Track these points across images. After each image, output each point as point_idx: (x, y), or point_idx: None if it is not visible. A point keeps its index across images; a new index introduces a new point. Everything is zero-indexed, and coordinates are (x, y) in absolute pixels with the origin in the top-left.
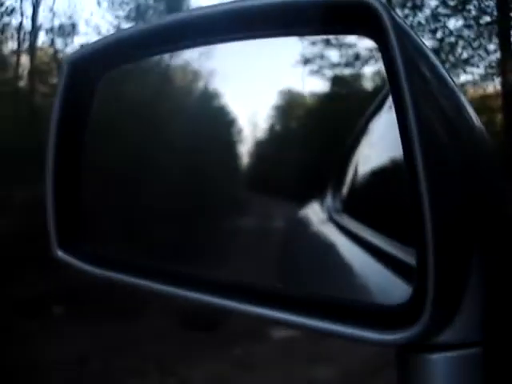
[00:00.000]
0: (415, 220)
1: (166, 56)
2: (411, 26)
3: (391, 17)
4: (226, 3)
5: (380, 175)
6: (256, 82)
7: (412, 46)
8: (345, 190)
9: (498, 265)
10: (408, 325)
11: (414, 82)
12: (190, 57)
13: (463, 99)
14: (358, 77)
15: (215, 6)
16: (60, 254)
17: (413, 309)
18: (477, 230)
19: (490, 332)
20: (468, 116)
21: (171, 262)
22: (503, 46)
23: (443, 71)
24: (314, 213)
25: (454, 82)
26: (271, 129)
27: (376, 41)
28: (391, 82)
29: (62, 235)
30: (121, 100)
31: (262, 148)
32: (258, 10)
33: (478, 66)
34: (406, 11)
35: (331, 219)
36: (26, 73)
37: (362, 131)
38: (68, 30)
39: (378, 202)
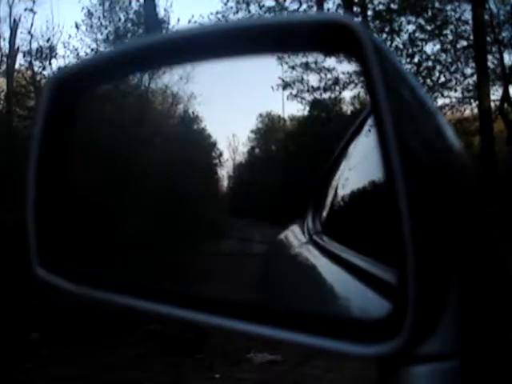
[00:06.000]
0: (396, 239)
1: (146, 79)
2: None
3: (371, 38)
4: (210, 25)
5: (359, 197)
6: (236, 105)
7: (392, 68)
8: (325, 212)
9: (476, 280)
10: (389, 337)
11: (394, 102)
12: (170, 80)
13: (442, 121)
14: (337, 101)
15: (199, 26)
16: (41, 271)
17: (394, 322)
18: (455, 247)
19: (469, 343)
20: (447, 137)
21: (154, 280)
22: (480, 70)
23: (423, 93)
24: (294, 235)
25: (433, 103)
26: (251, 152)
27: (356, 61)
28: (371, 101)
29: (43, 253)
30: (101, 122)
31: (242, 171)
32: (241, 31)
33: (455, 90)
34: (384, 36)
35: (311, 240)
36: (2, 95)
37: (340, 154)
38: (46, 53)
39: (356, 224)
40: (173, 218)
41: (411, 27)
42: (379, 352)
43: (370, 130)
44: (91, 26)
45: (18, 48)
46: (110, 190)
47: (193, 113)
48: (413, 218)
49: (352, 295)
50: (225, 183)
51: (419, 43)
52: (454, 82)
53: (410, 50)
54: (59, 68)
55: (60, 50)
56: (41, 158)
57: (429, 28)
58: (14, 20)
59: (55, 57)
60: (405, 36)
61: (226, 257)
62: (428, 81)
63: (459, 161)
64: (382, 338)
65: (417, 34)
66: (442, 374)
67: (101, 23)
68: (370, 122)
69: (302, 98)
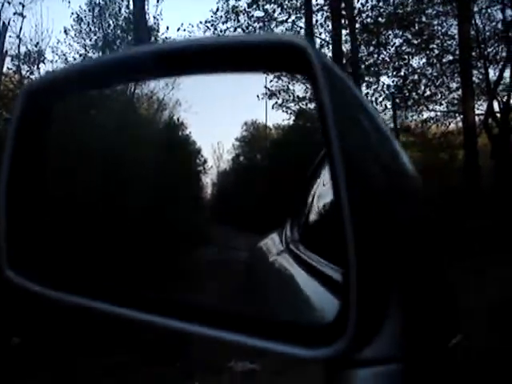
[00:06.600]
0: (342, 248)
1: (132, 85)
2: (375, 64)
3: (322, 59)
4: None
5: (328, 207)
6: (221, 113)
7: (343, 88)
8: (302, 221)
9: (417, 286)
10: (333, 341)
11: (343, 123)
12: (156, 86)
13: (397, 146)
14: None
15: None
16: (10, 274)
17: (338, 326)
18: (397, 256)
19: (411, 349)
20: (402, 162)
21: (126, 285)
22: (465, 84)
23: (379, 120)
24: (273, 243)
25: (388, 129)
26: (235, 160)
27: (308, 81)
28: (321, 122)
29: (12, 255)
30: (85, 127)
31: (227, 179)
32: (199, 49)
33: (440, 104)
34: (371, 48)
35: (288, 249)
36: None
37: (319, 164)
38: (34, 57)
39: (324, 233)
40: (154, 223)
41: (398, 41)
42: (324, 355)
43: None
44: (80, 32)
45: (7, 52)
46: (89, 194)
47: (178, 119)
48: (355, 224)
49: (316, 302)
50: (209, 190)
51: (406, 57)
52: (439, 95)
53: (397, 64)
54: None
55: (48, 55)
56: (13, 162)
57: (415, 42)
58: (3, 23)
59: (43, 61)
60: (392, 49)
61: (206, 263)
62: (413, 94)
63: (412, 181)
64: (327, 342)
65: (403, 48)
66: (384, 377)
67: (90, 29)
68: None
69: (288, 108)
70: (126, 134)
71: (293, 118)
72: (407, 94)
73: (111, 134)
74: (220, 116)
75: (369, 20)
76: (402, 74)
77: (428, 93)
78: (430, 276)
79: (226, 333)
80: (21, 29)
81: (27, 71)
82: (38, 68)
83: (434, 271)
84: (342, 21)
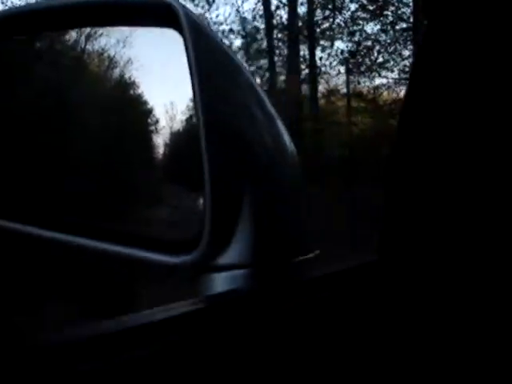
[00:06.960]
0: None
1: (82, 40)
2: (331, 28)
3: (189, 16)
4: None
5: None
6: (176, 74)
7: (215, 50)
8: None
9: (266, 201)
10: (190, 251)
11: (211, 84)
12: (107, 43)
13: (280, 125)
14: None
15: None
16: None
17: (197, 239)
18: (247, 172)
19: (257, 258)
20: (284, 141)
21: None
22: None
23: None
24: None
25: (275, 109)
26: (189, 121)
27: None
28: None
29: None
30: (32, 80)
31: (179, 139)
32: (90, 5)
33: (392, 71)
34: (327, 12)
35: None
36: None
37: None
38: None
39: None
40: (104, 182)
41: (354, 6)
42: (183, 261)
43: None
44: None
45: None
46: (26, 140)
47: (129, 78)
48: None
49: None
50: (161, 150)
51: (360, 22)
52: (391, 62)
53: (351, 29)
54: None
55: None
56: None
57: (371, 8)
58: None
59: None
60: (347, 14)
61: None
62: (367, 60)
63: (289, 153)
64: (187, 251)
65: (358, 13)
66: (234, 280)
67: None
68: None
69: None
70: (75, 90)
71: None
72: (360, 60)
73: (59, 88)
74: (174, 77)
75: None
76: (356, 39)
77: (381, 59)
78: (281, 201)
79: (112, 245)
80: None
81: None
82: None
83: (288, 200)
84: None
